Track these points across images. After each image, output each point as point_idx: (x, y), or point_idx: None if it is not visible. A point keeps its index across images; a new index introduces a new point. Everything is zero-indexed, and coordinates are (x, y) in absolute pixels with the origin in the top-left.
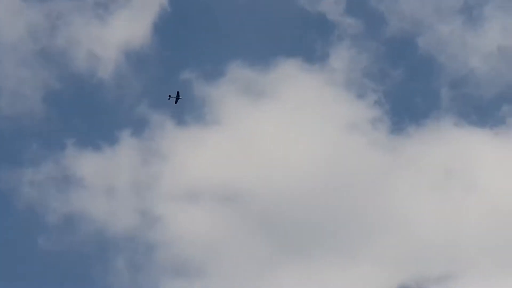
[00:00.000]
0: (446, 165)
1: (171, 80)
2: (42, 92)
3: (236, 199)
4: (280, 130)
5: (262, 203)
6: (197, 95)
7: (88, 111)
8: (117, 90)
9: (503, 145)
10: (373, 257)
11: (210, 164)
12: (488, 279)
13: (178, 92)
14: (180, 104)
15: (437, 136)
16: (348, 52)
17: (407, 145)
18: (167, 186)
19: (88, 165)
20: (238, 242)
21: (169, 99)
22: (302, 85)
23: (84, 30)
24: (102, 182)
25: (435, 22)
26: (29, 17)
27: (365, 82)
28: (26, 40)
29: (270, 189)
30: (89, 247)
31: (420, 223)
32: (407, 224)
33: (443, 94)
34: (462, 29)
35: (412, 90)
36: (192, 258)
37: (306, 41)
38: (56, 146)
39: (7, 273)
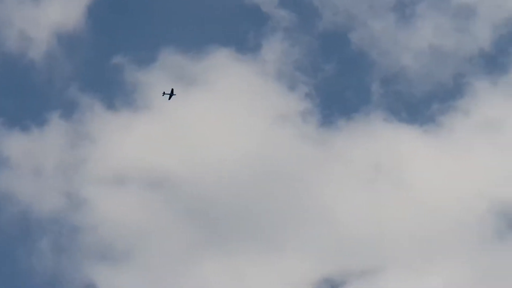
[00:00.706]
0: (375, 160)
1: (102, 64)
2: None
3: (164, 184)
4: (210, 118)
5: (189, 190)
6: (128, 80)
7: (18, 92)
8: (48, 71)
9: (432, 143)
10: (298, 249)
11: (139, 149)
12: (412, 274)
13: (172, 89)
14: (111, 88)
15: (366, 131)
16: (281, 44)
17: (336, 139)
18: (94, 169)
19: (15, 145)
20: (164, 227)
21: (163, 95)
22: (234, 75)
23: (17, 11)
24: (29, 163)
25: (368, 18)
26: None
27: (297, 74)
28: None
29: (198, 177)
30: (14, 228)
31: (347, 217)
32: (333, 217)
33: (374, 90)
34: (394, 26)
35: (343, 85)
36: (117, 242)
37: (240, 31)
38: None
39: None
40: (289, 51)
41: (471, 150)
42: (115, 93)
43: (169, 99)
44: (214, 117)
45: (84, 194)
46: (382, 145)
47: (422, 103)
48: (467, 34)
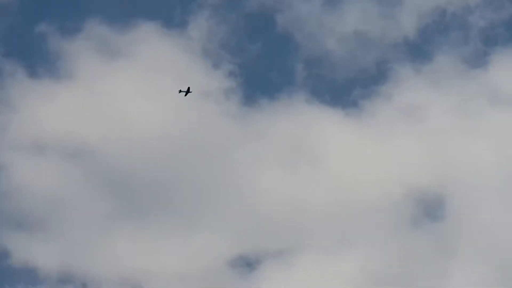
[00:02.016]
0: (295, 141)
1: (27, 31)
2: None
3: (83, 154)
4: (133, 91)
5: (109, 162)
6: (52, 49)
7: None
8: None
9: (353, 126)
10: (215, 226)
11: (60, 118)
12: (327, 256)
13: (188, 88)
14: (34, 56)
15: (288, 112)
16: (207, 22)
17: (258, 118)
18: (14, 136)
19: None
20: (82, 198)
21: (179, 92)
22: (159, 49)
23: None
24: None
25: (295, 1)
26: None
27: (222, 53)
28: None
29: (118, 149)
30: None
31: (265, 196)
32: (251, 196)
33: (297, 72)
34: (321, 10)
35: (268, 65)
36: (33, 210)
37: (167, 6)
38: None
39: None
40: (215, 29)
41: (392, 135)
42: (38, 61)
43: (185, 95)
44: (137, 90)
45: (2, 160)
46: (303, 126)
47: (345, 87)
48: (393, 22)
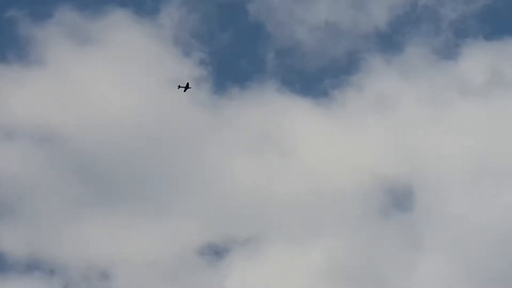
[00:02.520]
0: (265, 129)
1: None
2: None
3: (52, 140)
4: (103, 77)
5: (79, 147)
6: (22, 34)
7: None
8: None
9: (323, 116)
10: (184, 213)
11: (30, 103)
12: (295, 245)
13: (187, 83)
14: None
15: (259, 101)
16: (179, 10)
17: (228, 106)
18: None
19: None
20: (51, 183)
21: (178, 88)
22: (130, 37)
23: None
24: None
25: None
26: None
27: (193, 41)
28: None
29: (88, 135)
30: None
31: (234, 184)
32: (220, 184)
33: (268, 61)
34: (292, 0)
35: (238, 54)
36: (1, 195)
37: None
38: None
39: None
40: (186, 18)
41: (362, 125)
42: (8, 46)
43: (184, 91)
44: (107, 77)
45: None
46: (273, 115)
47: (316, 76)
48: (364, 12)
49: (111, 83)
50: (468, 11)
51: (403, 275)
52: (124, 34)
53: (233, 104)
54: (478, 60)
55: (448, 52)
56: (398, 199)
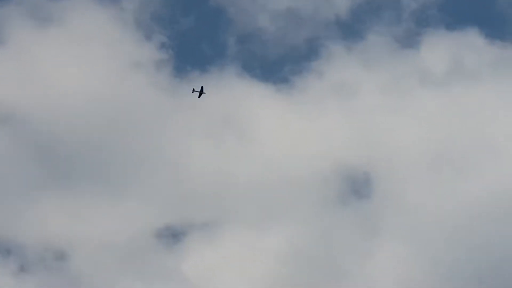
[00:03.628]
0: (225, 114)
1: None
2: None
3: (12, 120)
4: (64, 59)
5: (38, 128)
6: None
7: None
8: None
9: (283, 102)
10: (143, 195)
11: None
12: (252, 229)
13: (202, 87)
14: None
15: (219, 85)
16: None
17: (189, 90)
18: None
19: None
20: (9, 163)
21: (193, 92)
22: (92, 19)
23: None
24: None
25: None
26: None
27: (154, 25)
28: None
29: (48, 115)
30: None
31: (192, 168)
32: (179, 167)
33: (229, 46)
34: None
35: (199, 38)
36: None
37: None
38: None
39: None
40: (148, 2)
41: (322, 112)
42: None
43: (199, 97)
44: (68, 58)
45: None
46: (233, 100)
47: (277, 63)
48: (325, 0)
49: (71, 64)
50: (429, 1)
51: (360, 261)
52: (85, 15)
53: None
54: (439, 49)
55: (409, 41)
56: (357, 186)
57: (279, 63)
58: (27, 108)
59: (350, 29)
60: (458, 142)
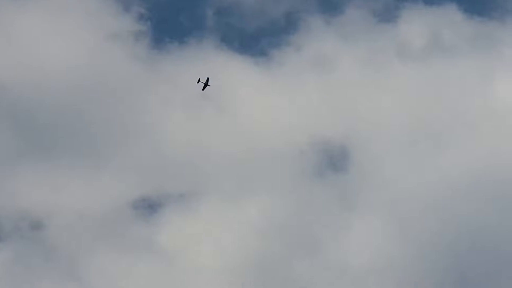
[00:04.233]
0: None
1: None
2: None
3: None
4: (42, 29)
5: (15, 98)
6: None
7: None
8: None
9: (262, 75)
10: (120, 166)
11: None
12: (228, 201)
13: (208, 79)
14: None
15: (197, 57)
16: None
17: (167, 62)
18: None
19: None
20: None
21: (198, 82)
22: None
23: None
24: None
25: None
26: None
27: None
28: None
29: (25, 86)
30: None
31: (170, 139)
32: (157, 139)
33: (208, 18)
34: None
35: (178, 10)
36: None
37: None
38: None
39: None
40: None
41: (300, 85)
42: None
43: (203, 89)
44: (46, 29)
45: None
46: (211, 72)
47: (255, 36)
48: None
49: (49, 35)
50: None
51: (336, 234)
52: None
53: (171, 60)
54: (418, 24)
55: (388, 15)
56: (334, 160)
57: (257, 36)
58: (5, 79)
59: (329, 3)
60: (436, 116)
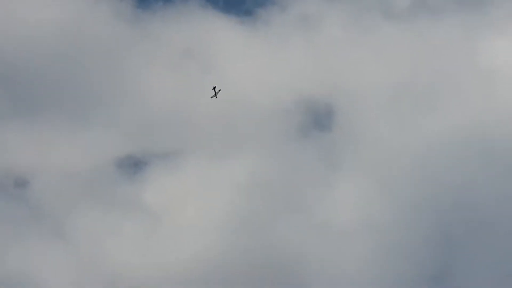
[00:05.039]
0: (188, 45)
1: None
2: None
3: None
4: None
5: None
6: None
7: None
8: None
9: (247, 34)
10: (105, 124)
11: None
12: (214, 159)
13: (215, 88)
14: None
15: (182, 16)
16: None
17: (151, 21)
18: None
19: None
20: None
21: (213, 88)
22: None
23: None
24: None
25: None
26: None
27: None
28: None
29: (10, 44)
30: None
31: (155, 98)
32: (141, 97)
33: None
34: None
35: None
36: None
37: None
38: None
39: None
40: None
41: (285, 44)
42: None
43: (211, 97)
44: None
45: None
46: (196, 31)
47: None
48: None
49: None
50: None
51: (320, 193)
52: None
53: (156, 19)
54: None
55: None
56: (319, 119)
57: None
58: None
59: None
60: (420, 76)
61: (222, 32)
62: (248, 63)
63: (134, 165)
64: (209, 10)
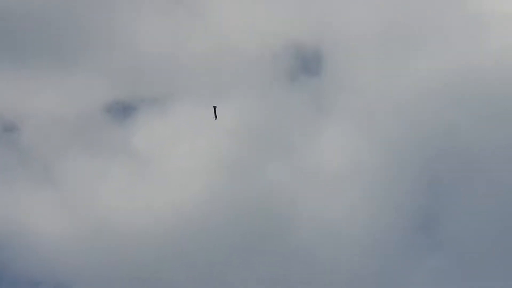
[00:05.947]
0: None
1: None
2: None
3: None
4: None
5: None
6: None
7: None
8: None
9: None
10: (92, 69)
11: None
12: (203, 104)
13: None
14: None
15: None
16: None
17: None
18: None
19: None
20: None
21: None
22: None
23: None
24: None
25: None
26: None
27: None
28: None
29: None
30: None
31: (142, 42)
32: (129, 41)
33: None
34: None
35: None
36: None
37: None
38: None
39: None
40: None
41: None
42: None
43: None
44: None
45: None
46: None
47: None
48: None
49: None
50: None
51: (308, 138)
52: None
53: None
54: None
55: None
56: (307, 63)
57: None
58: None
59: None
60: (408, 20)
61: None
62: (236, 6)
63: (122, 110)
64: None
